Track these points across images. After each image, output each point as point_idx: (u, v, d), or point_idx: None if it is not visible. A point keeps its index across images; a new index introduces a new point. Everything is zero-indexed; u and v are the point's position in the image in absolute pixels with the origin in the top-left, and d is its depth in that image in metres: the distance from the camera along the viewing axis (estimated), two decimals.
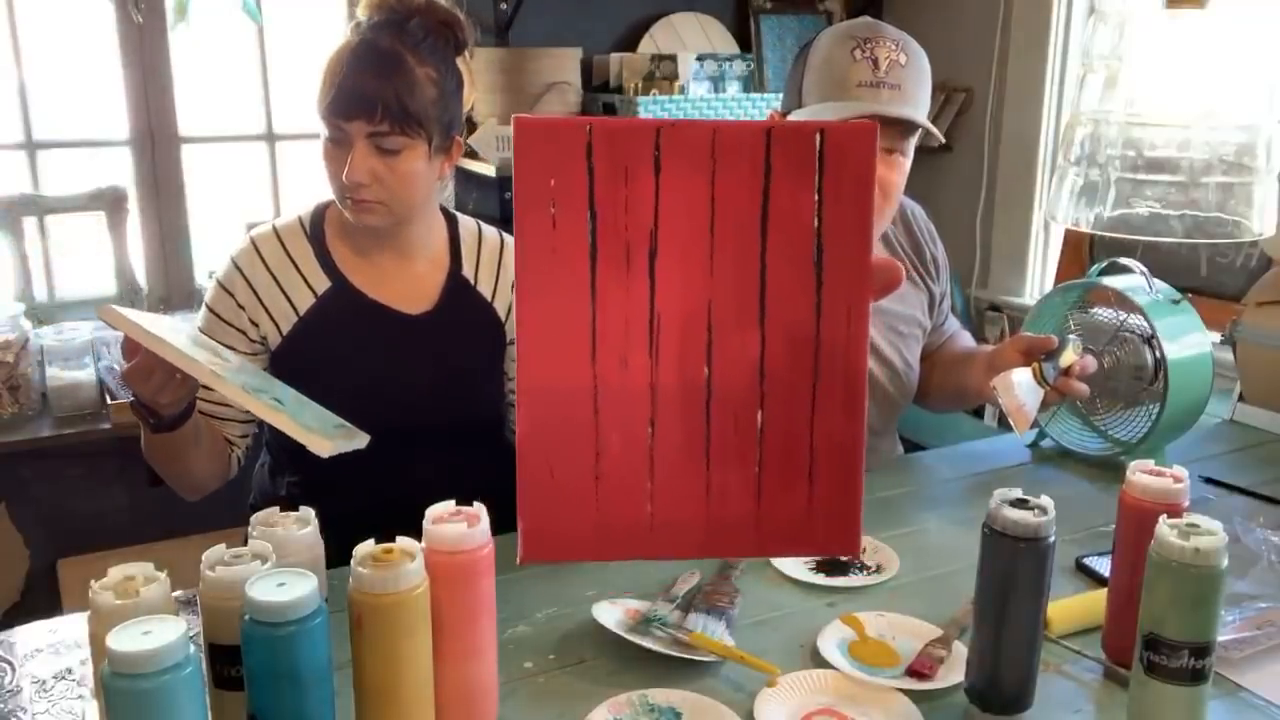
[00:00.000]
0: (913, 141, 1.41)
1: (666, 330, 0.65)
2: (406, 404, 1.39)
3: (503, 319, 1.47)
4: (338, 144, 1.29)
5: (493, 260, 1.47)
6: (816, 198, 0.64)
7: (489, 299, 1.46)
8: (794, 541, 0.69)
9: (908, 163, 1.42)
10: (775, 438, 0.67)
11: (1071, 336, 1.42)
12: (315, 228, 1.42)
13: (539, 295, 0.63)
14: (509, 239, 1.50)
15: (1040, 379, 1.36)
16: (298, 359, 1.38)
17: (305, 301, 1.38)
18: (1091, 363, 1.41)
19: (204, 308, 1.40)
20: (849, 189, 0.64)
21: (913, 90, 1.37)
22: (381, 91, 1.26)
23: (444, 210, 1.48)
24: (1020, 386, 1.35)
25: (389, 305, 1.40)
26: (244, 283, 1.37)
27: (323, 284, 1.39)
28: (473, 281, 1.45)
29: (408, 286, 1.42)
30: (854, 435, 0.68)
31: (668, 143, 0.63)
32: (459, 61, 1.38)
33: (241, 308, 1.37)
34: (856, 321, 0.66)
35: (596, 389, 0.65)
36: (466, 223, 1.50)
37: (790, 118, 1.44)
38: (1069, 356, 1.38)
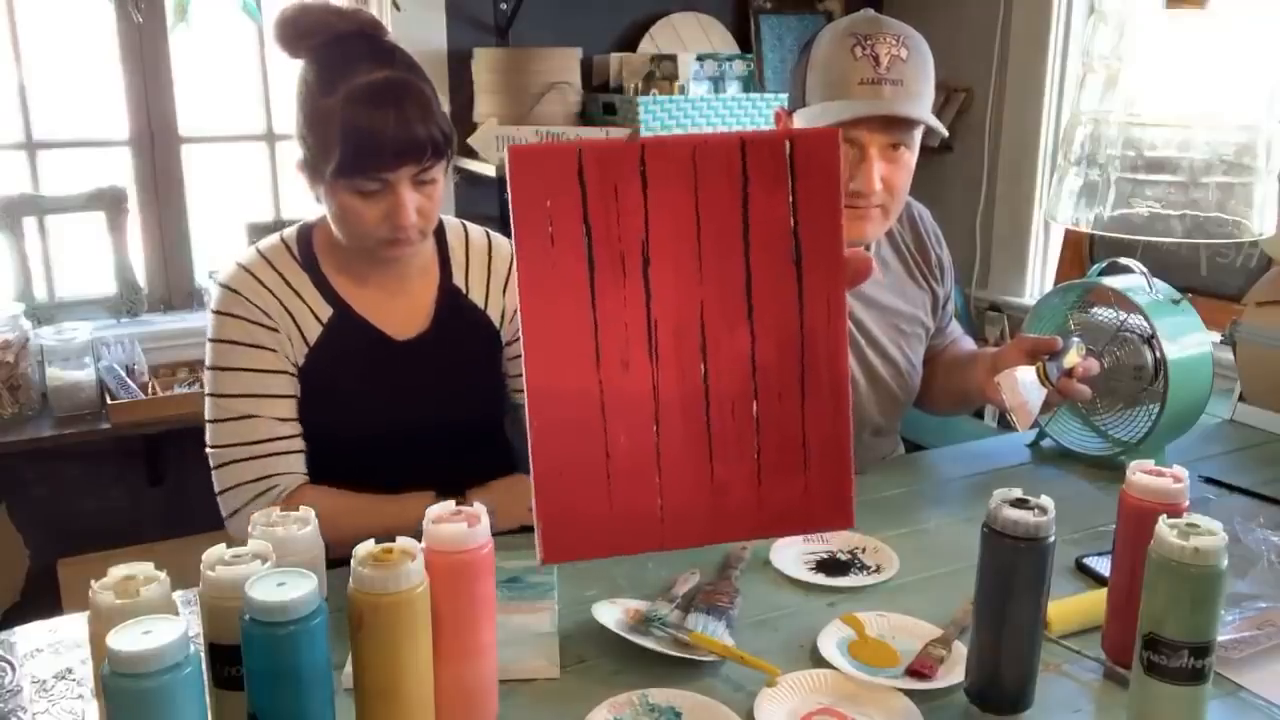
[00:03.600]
0: (918, 134, 1.41)
1: (663, 333, 0.69)
2: (410, 421, 1.37)
3: (497, 324, 1.44)
4: (372, 194, 1.24)
5: (482, 263, 1.44)
6: (791, 199, 0.69)
7: (482, 305, 1.43)
8: (793, 523, 0.73)
9: (913, 156, 1.42)
10: (771, 427, 0.71)
11: (1075, 338, 1.42)
12: (305, 253, 1.36)
13: (543, 308, 0.67)
14: (496, 239, 1.47)
15: (1043, 378, 1.37)
16: (313, 386, 1.34)
17: (313, 330, 1.34)
18: (1094, 365, 1.41)
19: (224, 345, 1.31)
20: (819, 190, 0.69)
21: (915, 84, 1.37)
22: (427, 130, 1.21)
23: None
24: (1023, 385, 1.36)
25: (388, 332, 1.37)
26: (259, 311, 1.31)
27: (326, 311, 1.34)
28: (464, 289, 1.42)
29: (403, 308, 1.38)
30: (841, 418, 0.72)
31: (652, 159, 0.66)
32: None
33: (275, 330, 1.32)
34: (835, 311, 0.70)
35: (602, 392, 0.68)
36: (451, 224, 1.46)
37: (795, 116, 1.44)
38: (1072, 358, 1.38)
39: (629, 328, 0.68)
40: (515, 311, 1.43)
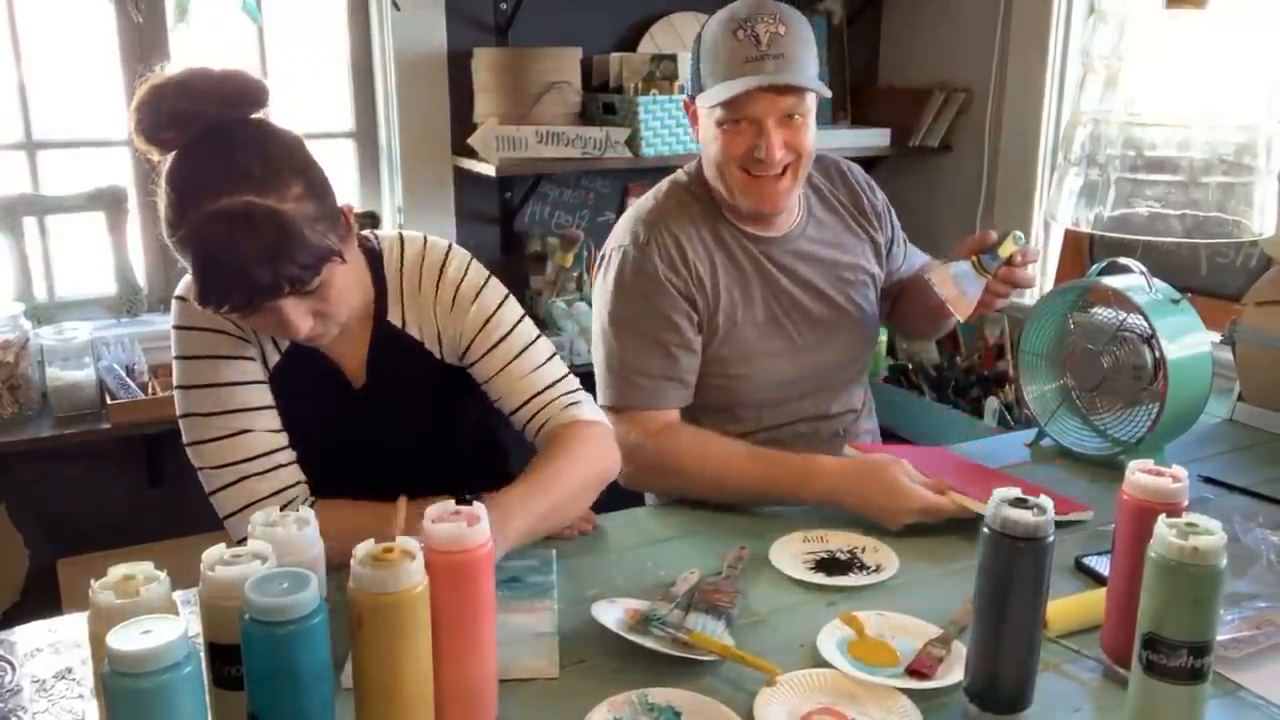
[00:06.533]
0: (810, 101, 1.49)
1: None
2: (375, 459, 1.33)
3: (438, 355, 1.32)
4: (252, 313, 1.13)
5: (414, 288, 1.31)
6: None
7: (418, 336, 1.32)
8: None
9: (811, 122, 1.51)
10: None
11: (1015, 232, 1.44)
12: None
13: None
14: (432, 253, 1.32)
15: (979, 269, 1.38)
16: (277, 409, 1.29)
17: (273, 357, 1.29)
18: (1035, 252, 1.45)
19: (196, 361, 1.24)
20: None
21: (796, 55, 1.46)
22: (274, 272, 1.07)
23: (364, 245, 1.30)
24: (956, 275, 1.40)
25: (341, 369, 1.31)
26: (227, 320, 1.23)
27: (284, 341, 1.28)
28: (401, 323, 1.31)
29: (348, 349, 1.31)
30: None
31: None
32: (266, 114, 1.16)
33: (247, 340, 1.26)
34: None
35: None
36: (390, 249, 1.32)
37: (697, 101, 1.54)
38: (1008, 247, 1.40)
39: None
40: (472, 331, 1.31)
